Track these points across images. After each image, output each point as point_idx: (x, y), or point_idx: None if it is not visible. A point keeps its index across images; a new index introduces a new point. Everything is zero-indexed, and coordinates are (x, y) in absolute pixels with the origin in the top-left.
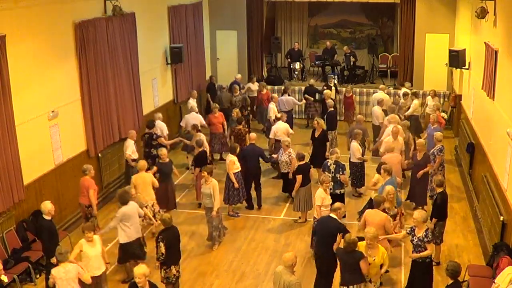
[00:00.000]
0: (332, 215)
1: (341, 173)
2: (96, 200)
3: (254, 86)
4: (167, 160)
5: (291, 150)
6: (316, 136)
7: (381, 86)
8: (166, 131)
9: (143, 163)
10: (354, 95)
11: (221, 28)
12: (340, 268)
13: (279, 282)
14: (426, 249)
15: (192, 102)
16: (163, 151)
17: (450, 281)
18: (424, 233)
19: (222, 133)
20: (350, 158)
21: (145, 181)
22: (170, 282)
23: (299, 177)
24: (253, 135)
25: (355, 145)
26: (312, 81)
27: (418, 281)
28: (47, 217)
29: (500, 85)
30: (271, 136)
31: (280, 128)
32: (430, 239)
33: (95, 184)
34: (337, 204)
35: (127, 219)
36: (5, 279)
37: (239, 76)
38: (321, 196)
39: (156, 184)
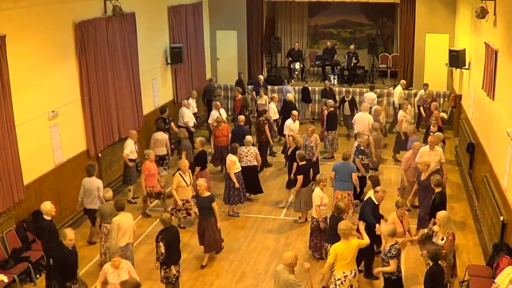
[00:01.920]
0: (372, 197)
1: (357, 157)
2: (148, 183)
3: (262, 100)
4: (206, 194)
5: (251, 148)
6: (288, 153)
7: (402, 81)
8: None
9: (185, 163)
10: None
11: (221, 28)
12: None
13: (277, 280)
14: (389, 264)
15: (192, 103)
16: (200, 182)
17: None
18: (389, 248)
19: (226, 146)
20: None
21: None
22: (170, 282)
23: (300, 177)
24: (241, 117)
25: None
26: (291, 82)
27: None
28: (47, 217)
29: (500, 85)
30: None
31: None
32: (393, 255)
33: (151, 169)
34: (378, 188)
35: (85, 189)
36: (4, 278)
37: (261, 77)
38: (319, 196)
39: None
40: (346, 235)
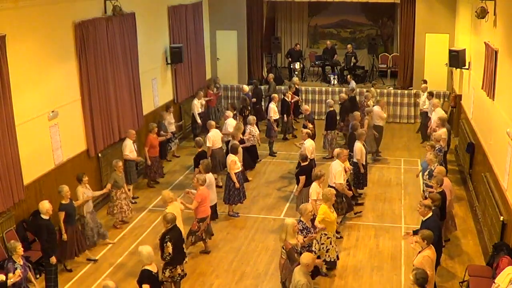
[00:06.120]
0: None
1: None
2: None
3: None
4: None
5: None
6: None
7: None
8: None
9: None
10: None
11: (221, 28)
12: None
13: (293, 279)
14: None
15: (197, 103)
16: (64, 189)
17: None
18: None
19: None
20: (352, 158)
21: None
22: (174, 281)
23: (302, 178)
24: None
25: (358, 145)
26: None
27: None
28: (45, 217)
29: (500, 85)
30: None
31: None
32: None
33: (153, 143)
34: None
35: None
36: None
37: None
38: (316, 191)
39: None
40: None
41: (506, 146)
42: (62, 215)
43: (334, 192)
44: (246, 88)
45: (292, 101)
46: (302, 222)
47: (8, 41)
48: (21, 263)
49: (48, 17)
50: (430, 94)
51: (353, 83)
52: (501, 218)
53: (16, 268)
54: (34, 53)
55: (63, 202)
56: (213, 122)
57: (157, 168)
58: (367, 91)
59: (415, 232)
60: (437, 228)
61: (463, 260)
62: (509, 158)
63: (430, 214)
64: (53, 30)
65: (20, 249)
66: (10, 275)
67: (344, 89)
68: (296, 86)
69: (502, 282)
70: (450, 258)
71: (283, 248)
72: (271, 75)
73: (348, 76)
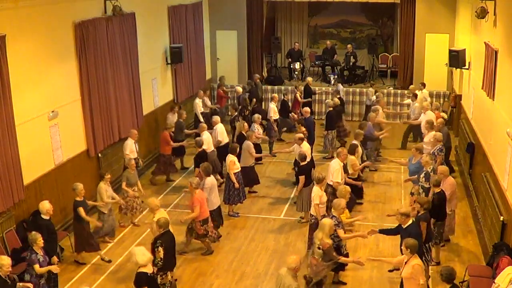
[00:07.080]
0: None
1: None
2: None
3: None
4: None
5: None
6: None
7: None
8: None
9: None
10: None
11: (221, 28)
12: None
13: (280, 284)
14: None
15: (198, 102)
16: (79, 187)
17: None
18: None
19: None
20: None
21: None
22: None
23: (302, 178)
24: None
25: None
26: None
27: None
28: (45, 217)
29: (500, 85)
30: None
31: None
32: None
33: (168, 140)
34: None
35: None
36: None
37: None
38: (318, 194)
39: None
40: None
41: (506, 146)
42: (81, 210)
43: (349, 189)
44: (240, 89)
45: (301, 101)
46: (336, 217)
47: (8, 41)
48: (42, 253)
49: (48, 17)
50: (414, 96)
51: (340, 86)
52: (501, 218)
53: (39, 260)
54: (34, 53)
55: (78, 199)
56: (204, 125)
57: (170, 166)
58: (377, 92)
59: (381, 231)
60: (419, 235)
61: (463, 260)
62: (509, 158)
63: (410, 221)
64: (53, 30)
65: (40, 240)
66: (37, 266)
67: (330, 89)
68: (310, 85)
69: (502, 282)
70: (450, 258)
71: (318, 248)
72: (256, 76)
73: (333, 79)
